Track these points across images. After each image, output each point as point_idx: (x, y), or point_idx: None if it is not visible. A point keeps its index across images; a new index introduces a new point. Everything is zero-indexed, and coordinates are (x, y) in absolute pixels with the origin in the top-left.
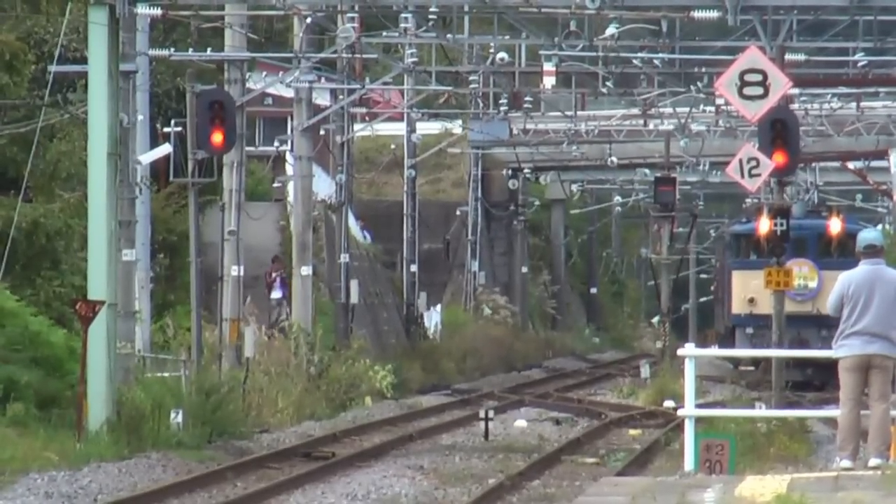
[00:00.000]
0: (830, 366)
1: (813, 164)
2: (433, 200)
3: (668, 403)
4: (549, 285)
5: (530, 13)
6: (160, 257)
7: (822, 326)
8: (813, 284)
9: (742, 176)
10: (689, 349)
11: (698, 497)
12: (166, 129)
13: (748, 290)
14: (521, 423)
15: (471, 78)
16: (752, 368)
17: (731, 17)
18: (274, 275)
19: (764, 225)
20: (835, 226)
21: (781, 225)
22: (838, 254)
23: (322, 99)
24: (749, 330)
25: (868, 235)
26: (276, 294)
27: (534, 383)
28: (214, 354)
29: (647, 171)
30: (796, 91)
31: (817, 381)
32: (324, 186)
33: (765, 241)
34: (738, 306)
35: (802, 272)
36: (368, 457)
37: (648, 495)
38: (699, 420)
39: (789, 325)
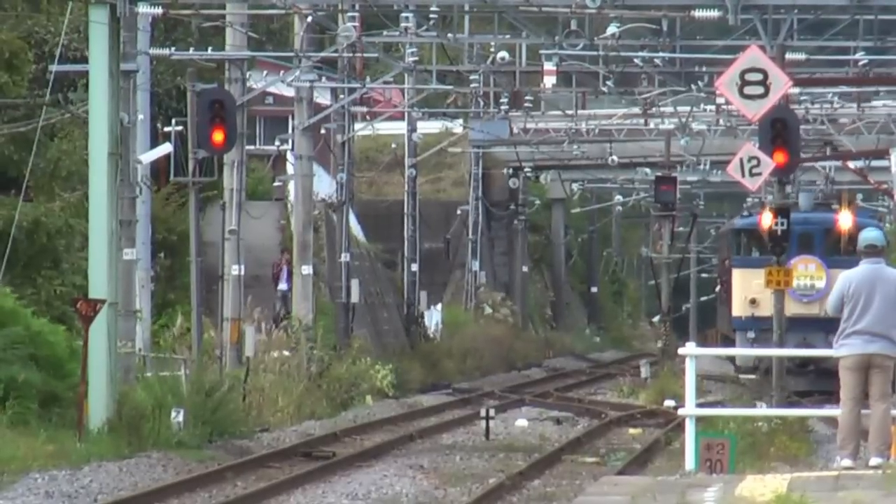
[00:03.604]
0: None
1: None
2: (434, 200)
3: (669, 403)
4: (548, 286)
5: (531, 12)
6: (160, 257)
7: (831, 330)
8: (820, 284)
9: (743, 175)
10: (689, 348)
11: (698, 496)
12: (167, 129)
13: (750, 290)
14: (521, 422)
15: (471, 77)
16: (752, 376)
17: (731, 17)
18: (283, 265)
19: (767, 219)
20: (844, 220)
21: (782, 224)
22: (848, 251)
23: (323, 98)
24: (751, 334)
25: (869, 235)
26: (283, 286)
27: (534, 383)
28: (214, 354)
29: (647, 170)
30: (797, 90)
31: (825, 388)
32: (324, 186)
33: (768, 236)
34: (738, 308)
35: (809, 270)
36: (369, 456)
37: (649, 495)
38: (700, 419)
39: (794, 329)
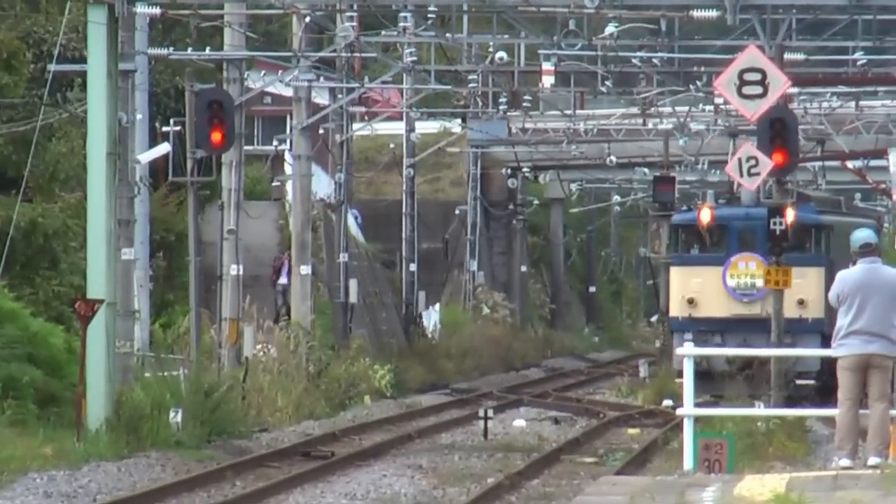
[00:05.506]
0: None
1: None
2: (432, 200)
3: (667, 403)
4: (546, 286)
5: (529, 12)
6: (158, 256)
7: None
8: (761, 283)
9: (741, 175)
10: (687, 348)
11: (697, 496)
12: (165, 129)
13: (688, 289)
14: (519, 422)
15: (470, 77)
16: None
17: (730, 17)
18: (283, 259)
19: (705, 215)
20: (787, 216)
21: (780, 224)
22: (791, 248)
23: (321, 98)
24: (688, 336)
25: (862, 234)
26: (283, 280)
27: (533, 383)
28: (213, 354)
29: (645, 170)
30: (795, 90)
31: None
32: (323, 186)
33: (706, 232)
34: (676, 308)
35: (749, 269)
36: (367, 456)
37: (647, 495)
38: (698, 419)
39: (734, 330)
